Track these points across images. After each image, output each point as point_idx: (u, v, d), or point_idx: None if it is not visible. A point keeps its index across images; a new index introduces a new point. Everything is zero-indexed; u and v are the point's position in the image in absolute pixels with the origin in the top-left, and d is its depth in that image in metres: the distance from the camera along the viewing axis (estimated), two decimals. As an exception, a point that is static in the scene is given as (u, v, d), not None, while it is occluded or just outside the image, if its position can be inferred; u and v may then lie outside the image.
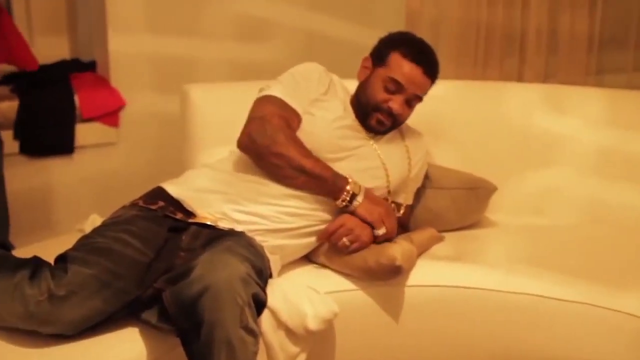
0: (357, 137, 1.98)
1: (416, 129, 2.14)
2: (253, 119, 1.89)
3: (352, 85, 2.07)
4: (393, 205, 2.00)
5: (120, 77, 2.68)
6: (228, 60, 2.84)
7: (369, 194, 1.86)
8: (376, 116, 1.97)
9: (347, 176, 1.84)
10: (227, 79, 2.80)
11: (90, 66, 2.79)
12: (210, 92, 2.35)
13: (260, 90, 1.96)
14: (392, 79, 1.94)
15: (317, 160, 1.85)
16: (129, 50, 2.67)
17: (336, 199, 1.83)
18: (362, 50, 2.95)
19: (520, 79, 2.80)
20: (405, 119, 2.02)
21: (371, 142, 1.99)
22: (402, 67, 1.95)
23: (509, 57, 2.80)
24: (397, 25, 2.91)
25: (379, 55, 2.02)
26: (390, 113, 1.96)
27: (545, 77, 2.80)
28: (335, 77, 2.06)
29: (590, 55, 2.92)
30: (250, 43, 2.88)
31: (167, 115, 2.69)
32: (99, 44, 2.71)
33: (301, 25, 2.95)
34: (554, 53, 2.82)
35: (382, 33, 2.95)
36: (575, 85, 2.60)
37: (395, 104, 1.95)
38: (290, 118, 1.90)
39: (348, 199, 1.82)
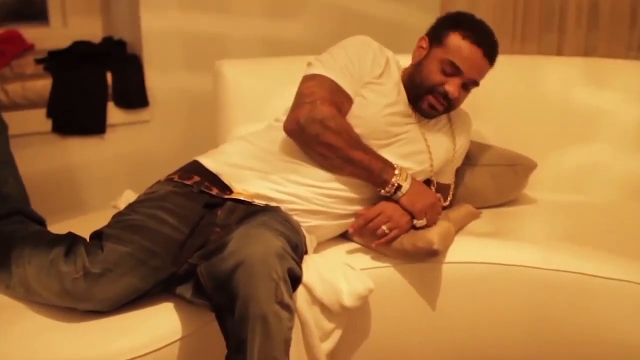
0: (406, 122, 1.90)
1: (461, 108, 2.06)
2: (302, 103, 1.78)
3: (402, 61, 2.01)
4: (439, 195, 1.93)
5: (152, 55, 2.67)
6: (260, 38, 2.81)
7: (415, 184, 1.80)
8: (429, 99, 1.87)
9: (395, 166, 1.78)
10: (259, 56, 2.77)
11: (120, 45, 2.78)
12: (244, 68, 2.32)
13: (309, 64, 1.88)
14: (449, 62, 1.84)
15: (365, 150, 1.79)
16: (161, 28, 2.66)
17: (381, 189, 1.78)
18: (396, 28, 2.92)
19: (559, 54, 2.72)
20: (460, 103, 1.93)
21: (418, 125, 1.92)
22: (461, 50, 1.84)
23: (548, 31, 2.72)
24: (438, 1, 2.86)
25: (437, 35, 1.90)
26: (445, 96, 1.86)
27: (585, 52, 2.71)
28: (390, 54, 1.96)
29: (633, 29, 2.81)
30: (282, 20, 2.84)
31: (199, 93, 2.68)
32: (132, 22, 2.70)
33: (334, 1, 2.90)
34: (594, 27, 2.72)
35: (417, 9, 2.93)
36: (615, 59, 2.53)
37: (452, 87, 1.84)
38: (341, 102, 1.82)
39: (393, 190, 1.77)
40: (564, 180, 2.33)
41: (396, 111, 1.88)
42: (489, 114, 2.31)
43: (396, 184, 1.76)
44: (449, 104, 1.89)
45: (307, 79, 1.84)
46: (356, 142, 1.78)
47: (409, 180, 1.78)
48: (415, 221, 1.80)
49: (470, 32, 1.86)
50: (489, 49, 1.88)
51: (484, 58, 1.87)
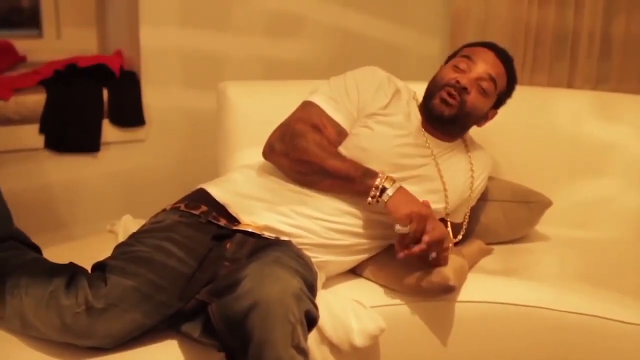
0: (420, 155, 1.83)
1: (480, 144, 2.02)
2: (278, 126, 1.79)
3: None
4: (449, 226, 1.86)
5: (150, 72, 2.59)
6: (260, 57, 2.75)
7: (403, 192, 1.67)
8: (440, 94, 1.82)
9: (379, 172, 1.70)
10: (259, 77, 2.72)
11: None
12: (249, 89, 2.25)
13: (310, 93, 1.86)
14: (461, 57, 1.87)
15: (343, 160, 1.72)
16: (161, 44, 2.59)
17: (367, 196, 1.68)
18: (401, 51, 2.87)
19: (570, 84, 2.67)
20: (474, 106, 1.83)
21: (434, 159, 1.84)
22: (471, 48, 1.91)
23: (558, 61, 2.66)
24: (442, 26, 2.82)
25: (450, 56, 1.98)
26: (458, 90, 1.80)
27: (597, 83, 2.67)
28: (401, 85, 1.91)
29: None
30: (283, 40, 2.79)
31: (198, 112, 2.61)
32: (130, 38, 2.63)
33: (336, 22, 2.85)
34: (607, 58, 2.68)
35: (424, 34, 2.88)
36: (627, 93, 2.50)
37: (464, 78, 1.82)
38: (322, 125, 1.78)
39: (378, 194, 1.67)
40: (573, 215, 2.29)
41: (407, 142, 1.82)
42: (496, 146, 2.24)
43: (380, 187, 1.66)
44: (462, 100, 1.82)
45: (298, 108, 1.84)
46: (332, 154, 1.73)
47: (396, 186, 1.67)
48: (396, 226, 1.60)
49: (479, 42, 1.95)
50: (500, 52, 1.91)
51: (497, 58, 1.88)
